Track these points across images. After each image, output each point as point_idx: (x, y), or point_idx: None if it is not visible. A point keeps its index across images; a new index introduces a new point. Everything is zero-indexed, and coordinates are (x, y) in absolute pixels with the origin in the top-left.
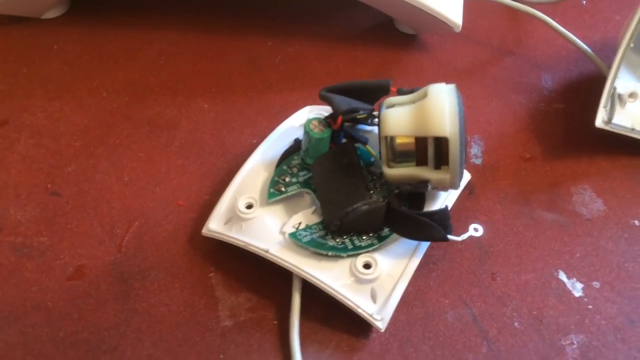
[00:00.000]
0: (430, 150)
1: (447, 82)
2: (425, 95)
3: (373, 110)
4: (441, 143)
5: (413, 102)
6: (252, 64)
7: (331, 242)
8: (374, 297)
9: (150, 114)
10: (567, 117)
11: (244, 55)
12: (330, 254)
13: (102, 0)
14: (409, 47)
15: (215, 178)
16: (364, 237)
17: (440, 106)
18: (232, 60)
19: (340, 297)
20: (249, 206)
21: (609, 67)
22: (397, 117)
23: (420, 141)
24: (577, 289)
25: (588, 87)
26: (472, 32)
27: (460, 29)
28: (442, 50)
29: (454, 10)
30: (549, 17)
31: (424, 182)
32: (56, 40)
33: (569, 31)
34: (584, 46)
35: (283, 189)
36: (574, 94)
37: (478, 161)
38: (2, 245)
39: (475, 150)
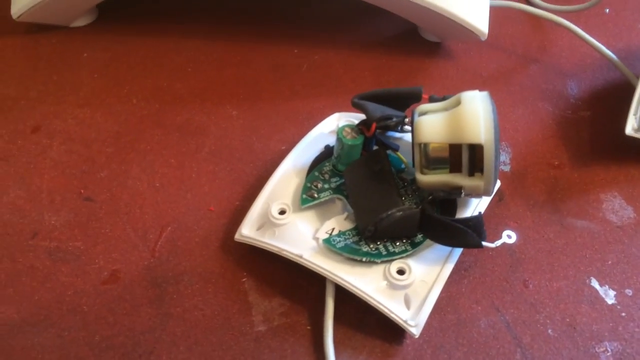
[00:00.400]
0: (465, 157)
1: (473, 89)
2: (458, 103)
3: (405, 117)
4: (475, 150)
5: (446, 109)
6: (278, 71)
7: (365, 248)
8: (407, 303)
9: (180, 121)
10: (594, 125)
11: (270, 63)
12: (364, 259)
13: (129, 9)
14: (433, 55)
15: (245, 184)
16: (398, 243)
17: (474, 113)
18: (258, 67)
19: (374, 302)
20: (282, 212)
21: (635, 74)
22: (431, 124)
23: (454, 148)
24: (609, 296)
25: (614, 95)
26: (497, 40)
27: (486, 36)
28: (467, 58)
29: (479, 17)
30: (573, 24)
31: (458, 189)
32: (85, 48)
33: (593, 39)
34: (610, 53)
35: (316, 195)
36: (600, 102)
37: (506, 168)
38: (37, 250)
39: (503, 157)
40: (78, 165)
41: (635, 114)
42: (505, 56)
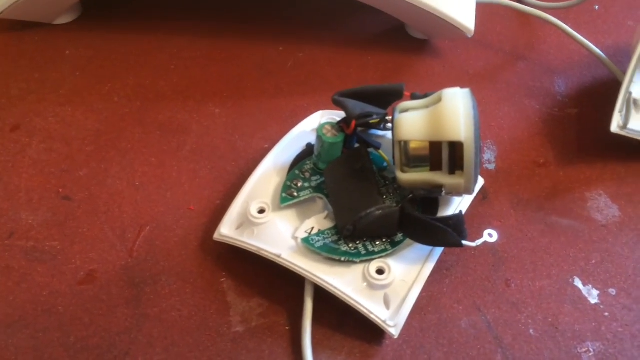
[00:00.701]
0: (445, 155)
1: (460, 87)
2: (439, 100)
3: (386, 114)
4: (456, 148)
5: (427, 106)
6: (263, 69)
7: (344, 248)
8: (387, 303)
9: (162, 119)
10: (580, 122)
11: (254, 60)
12: (343, 259)
13: (113, 7)
14: (420, 52)
15: (227, 183)
16: (377, 243)
17: (454, 110)
18: (243, 65)
19: (353, 302)
20: (261, 211)
21: (623, 72)
22: (411, 122)
23: (435, 146)
24: (593, 295)
25: (601, 92)
26: (484, 37)
27: (472, 33)
28: (454, 55)
29: (466, 15)
30: (562, 22)
31: (438, 187)
32: (68, 46)
33: (581, 36)
34: (598, 51)
35: (295, 194)
36: (588, 99)
37: (491, 166)
38: (13, 250)
39: (488, 155)
40: (57, 163)
41: (620, 112)
42: (493, 53)
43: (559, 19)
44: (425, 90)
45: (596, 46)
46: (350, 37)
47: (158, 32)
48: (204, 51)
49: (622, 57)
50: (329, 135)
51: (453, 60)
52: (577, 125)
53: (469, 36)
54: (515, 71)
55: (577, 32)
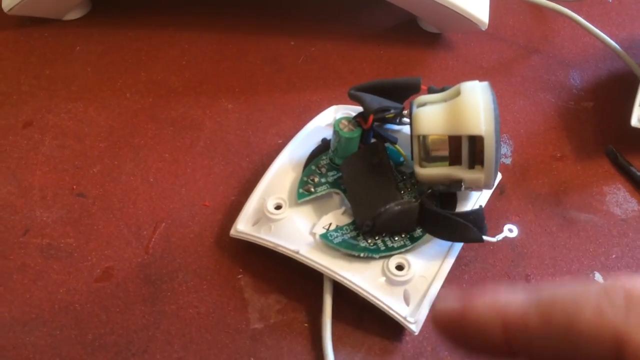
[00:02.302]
0: (465, 149)
1: (473, 80)
2: (458, 93)
3: (403, 108)
4: (475, 142)
5: (445, 100)
6: (275, 64)
7: (363, 243)
8: (407, 299)
9: (175, 115)
10: (597, 116)
11: (266, 55)
12: (362, 255)
13: (122, 2)
14: (433, 46)
15: (241, 179)
16: (397, 238)
17: (474, 104)
18: (255, 60)
19: (372, 299)
20: (278, 207)
21: (639, 64)
22: (430, 116)
23: (454, 140)
24: None
25: (617, 85)
26: (497, 30)
27: (486, 26)
28: (468, 49)
29: (480, 7)
30: (575, 14)
31: (458, 182)
32: (78, 42)
33: (596, 28)
34: (613, 43)
35: (312, 190)
36: (603, 92)
37: (508, 161)
38: (28, 247)
39: (504, 149)
40: (70, 160)
41: None
42: (506, 47)
43: (572, 11)
44: (439, 84)
45: (611, 38)
46: (362, 31)
47: (169, 27)
48: (215, 46)
49: (638, 50)
50: (345, 130)
51: (466, 54)
52: (594, 119)
53: (483, 29)
54: (530, 64)
55: (592, 25)
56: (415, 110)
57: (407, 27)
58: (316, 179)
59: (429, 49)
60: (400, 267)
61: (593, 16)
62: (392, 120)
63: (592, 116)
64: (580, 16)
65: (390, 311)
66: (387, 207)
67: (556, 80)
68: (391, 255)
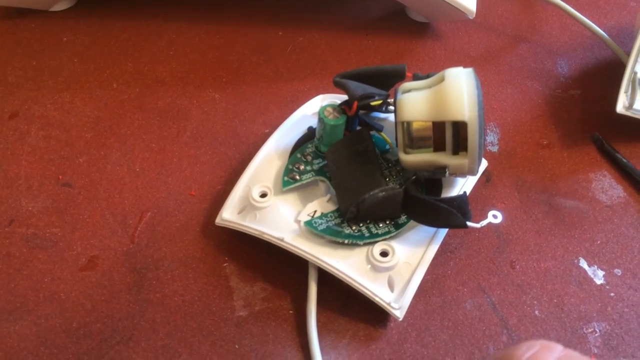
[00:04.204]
0: (448, 135)
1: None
2: (442, 79)
3: (388, 96)
4: (459, 128)
5: (429, 86)
6: (263, 54)
7: (347, 230)
8: (391, 286)
9: (161, 105)
10: (584, 103)
11: (254, 45)
12: (346, 241)
13: None
14: (421, 35)
15: (228, 168)
16: (381, 225)
17: (458, 90)
18: (242, 50)
19: (357, 285)
20: (263, 195)
21: (626, 52)
22: (414, 102)
23: (438, 126)
24: (598, 276)
25: (604, 73)
26: (485, 19)
27: (474, 15)
28: (455, 38)
29: None
30: (564, 2)
31: (442, 168)
32: (65, 33)
33: (584, 17)
34: (601, 32)
35: (297, 177)
36: (590, 80)
37: (494, 148)
38: (14, 237)
39: (491, 137)
40: (56, 150)
41: (626, 92)
42: (494, 36)
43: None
44: (426, 73)
45: (599, 27)
46: (350, 20)
47: (156, 17)
48: (203, 36)
49: (625, 38)
50: (330, 117)
51: (454, 43)
52: (581, 106)
53: (471, 18)
54: (517, 53)
55: (580, 13)
56: (399, 96)
57: (396, 17)
58: (302, 167)
59: (417, 38)
60: (384, 254)
61: (581, 5)
62: (378, 108)
63: (578, 104)
64: (569, 5)
65: (375, 297)
66: (371, 193)
67: (544, 69)
68: (375, 242)
